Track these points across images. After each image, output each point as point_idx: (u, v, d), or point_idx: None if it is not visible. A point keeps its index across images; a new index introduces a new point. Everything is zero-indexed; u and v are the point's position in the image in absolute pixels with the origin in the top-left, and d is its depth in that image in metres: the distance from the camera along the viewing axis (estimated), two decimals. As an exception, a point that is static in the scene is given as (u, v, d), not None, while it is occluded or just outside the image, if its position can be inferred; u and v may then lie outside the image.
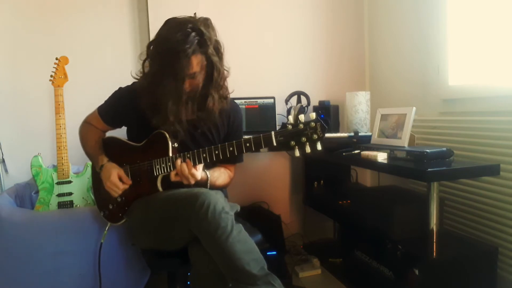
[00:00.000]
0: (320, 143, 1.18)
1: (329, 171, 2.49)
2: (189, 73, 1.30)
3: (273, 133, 1.22)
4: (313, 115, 1.19)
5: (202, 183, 1.41)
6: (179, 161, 1.32)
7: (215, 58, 1.34)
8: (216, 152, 1.30)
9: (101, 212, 1.54)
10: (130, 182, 1.43)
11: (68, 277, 1.61)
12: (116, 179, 1.40)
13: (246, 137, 1.29)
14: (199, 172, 1.34)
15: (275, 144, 1.21)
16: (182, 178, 1.32)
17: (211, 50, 1.32)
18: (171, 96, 1.32)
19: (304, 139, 1.18)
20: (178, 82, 1.30)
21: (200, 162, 1.33)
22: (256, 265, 1.19)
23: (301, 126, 1.19)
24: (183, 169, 1.31)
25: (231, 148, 1.28)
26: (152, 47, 1.36)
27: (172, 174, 1.34)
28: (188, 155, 1.34)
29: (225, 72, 1.42)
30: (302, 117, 1.20)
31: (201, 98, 1.40)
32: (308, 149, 1.19)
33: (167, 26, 1.33)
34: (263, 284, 1.18)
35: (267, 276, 1.20)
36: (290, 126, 1.20)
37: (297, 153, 1.21)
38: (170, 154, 1.38)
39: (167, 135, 1.40)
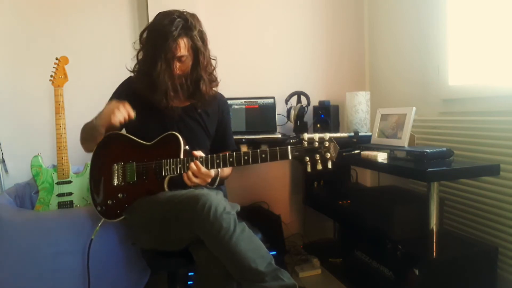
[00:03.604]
0: (331, 163, 1.25)
1: (329, 171, 2.48)
2: (177, 55, 1.41)
3: (289, 148, 1.28)
4: (327, 136, 1.26)
5: (213, 178, 1.43)
6: (185, 175, 1.37)
7: (199, 43, 1.45)
8: (231, 159, 1.33)
9: (97, 207, 1.52)
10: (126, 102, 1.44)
11: (67, 277, 1.60)
12: (117, 103, 1.42)
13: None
14: (211, 173, 1.38)
15: (290, 158, 1.28)
16: (193, 179, 1.37)
17: (195, 35, 1.43)
18: (165, 75, 1.42)
19: (317, 156, 1.25)
20: (168, 61, 1.41)
21: (212, 167, 1.36)
22: (263, 262, 1.20)
23: (316, 144, 1.26)
24: (193, 179, 1.36)
25: (246, 157, 1.32)
26: (143, 37, 1.48)
27: (185, 176, 1.37)
28: (201, 159, 1.35)
29: (212, 60, 1.53)
30: (316, 136, 1.27)
31: (194, 84, 1.50)
32: (319, 166, 1.26)
33: (156, 17, 1.45)
34: (271, 279, 1.18)
35: (275, 271, 1.20)
36: (305, 143, 1.27)
37: (309, 169, 1.27)
38: (182, 156, 1.39)
39: (179, 137, 1.42)
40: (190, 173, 1.35)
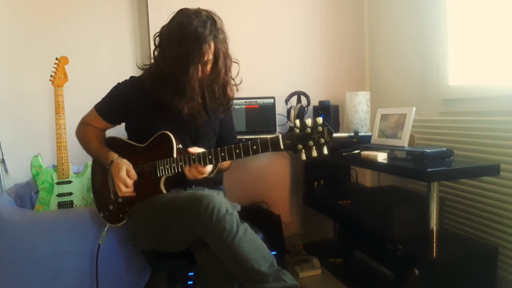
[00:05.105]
0: (327, 147, 1.19)
1: (329, 171, 2.49)
2: (204, 59, 1.35)
3: (280, 136, 1.23)
4: (320, 120, 1.19)
5: (212, 170, 1.42)
6: (187, 168, 1.36)
7: (226, 45, 1.41)
8: (222, 154, 1.31)
9: (100, 213, 1.54)
10: (135, 177, 1.41)
11: (68, 277, 1.61)
12: (125, 175, 1.39)
13: (250, 137, 1.30)
14: (208, 168, 1.37)
15: (282, 147, 1.22)
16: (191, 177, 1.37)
17: (222, 38, 1.39)
18: (196, 81, 1.36)
19: (311, 143, 1.19)
20: (197, 66, 1.34)
21: (205, 164, 1.34)
22: (265, 263, 1.20)
23: (309, 130, 1.20)
24: (194, 174, 1.36)
25: (237, 151, 1.29)
26: (166, 34, 1.38)
27: (186, 169, 1.37)
28: (194, 157, 1.34)
29: (234, 62, 1.48)
30: (309, 121, 1.21)
31: (221, 89, 1.45)
32: (314, 153, 1.20)
33: (182, 14, 1.37)
34: (273, 280, 1.19)
35: (277, 272, 1.21)
36: (297, 130, 1.21)
37: (303, 156, 1.21)
38: (175, 155, 1.38)
39: (171, 136, 1.41)
40: (193, 169, 1.35)
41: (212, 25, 1.34)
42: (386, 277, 1.77)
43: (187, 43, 1.31)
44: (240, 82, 1.53)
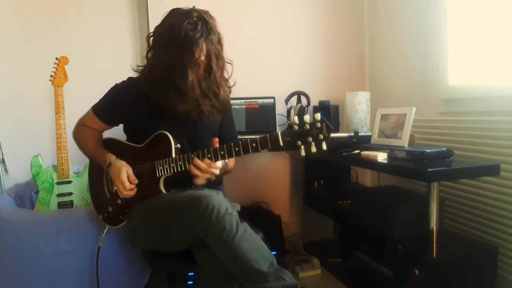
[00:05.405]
0: (326, 143, 1.19)
1: (329, 171, 2.49)
2: (196, 61, 1.34)
3: (279, 133, 1.23)
4: (318, 116, 1.20)
5: (221, 171, 1.41)
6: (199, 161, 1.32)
7: (218, 46, 1.39)
8: (222, 152, 1.31)
9: (99, 215, 1.53)
10: (136, 181, 1.40)
11: (68, 277, 1.61)
12: (125, 178, 1.38)
13: (250, 137, 1.31)
14: (218, 170, 1.35)
15: (281, 144, 1.22)
16: (203, 175, 1.33)
17: (214, 39, 1.36)
18: (194, 84, 1.35)
19: (310, 139, 1.20)
20: (193, 69, 1.34)
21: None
22: (265, 262, 1.20)
23: (307, 126, 1.20)
24: (205, 168, 1.32)
25: (236, 149, 1.29)
26: (157, 36, 1.37)
27: (195, 180, 1.33)
28: (193, 155, 1.34)
29: (227, 63, 1.46)
30: (307, 118, 1.21)
31: (214, 89, 1.44)
32: (313, 149, 1.20)
33: (173, 15, 1.36)
34: (273, 280, 1.19)
35: (277, 271, 1.21)
36: (296, 127, 1.22)
37: (303, 153, 1.21)
38: (173, 155, 1.38)
39: (169, 136, 1.40)
40: (198, 172, 1.32)
41: (203, 26, 1.32)
42: (386, 277, 1.77)
43: (178, 46, 1.30)
44: (234, 84, 1.52)
